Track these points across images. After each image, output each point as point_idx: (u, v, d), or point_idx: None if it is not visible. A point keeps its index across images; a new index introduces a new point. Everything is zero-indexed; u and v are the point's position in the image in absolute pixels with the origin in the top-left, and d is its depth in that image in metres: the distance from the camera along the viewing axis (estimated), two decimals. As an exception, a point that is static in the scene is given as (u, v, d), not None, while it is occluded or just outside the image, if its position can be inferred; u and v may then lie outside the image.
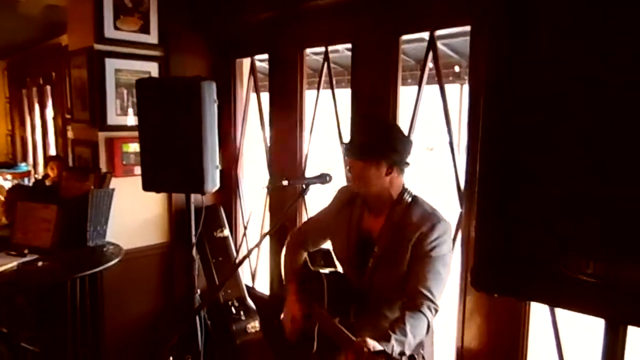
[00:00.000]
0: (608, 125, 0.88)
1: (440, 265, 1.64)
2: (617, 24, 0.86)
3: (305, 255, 2.04)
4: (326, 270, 1.92)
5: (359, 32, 2.56)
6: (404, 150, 1.70)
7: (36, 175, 7.14)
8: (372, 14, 2.47)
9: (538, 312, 2.00)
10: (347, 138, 1.77)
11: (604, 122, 0.88)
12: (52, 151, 6.88)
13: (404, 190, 1.75)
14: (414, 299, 1.60)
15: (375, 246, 1.74)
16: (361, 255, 1.78)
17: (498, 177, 1.01)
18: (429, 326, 1.59)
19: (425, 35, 2.36)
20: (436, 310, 1.61)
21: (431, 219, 1.68)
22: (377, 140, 1.68)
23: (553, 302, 1.02)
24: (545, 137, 0.95)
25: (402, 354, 1.36)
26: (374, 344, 1.37)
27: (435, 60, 2.34)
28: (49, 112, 6.98)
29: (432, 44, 2.32)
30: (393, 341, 1.44)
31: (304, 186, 1.82)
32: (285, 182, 1.78)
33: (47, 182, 4.36)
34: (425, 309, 1.57)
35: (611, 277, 0.91)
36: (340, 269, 1.97)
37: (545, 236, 0.98)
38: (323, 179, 1.81)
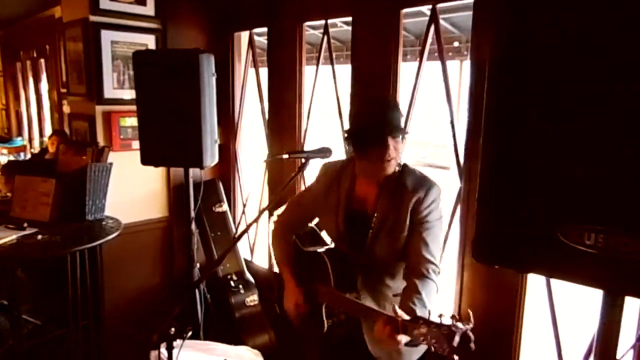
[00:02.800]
0: (606, 100, 0.88)
1: (437, 229, 1.71)
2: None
3: (294, 237, 2.03)
4: (322, 249, 1.92)
5: (359, 5, 2.52)
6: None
7: (32, 150, 7.10)
8: (372, -15, 2.43)
9: (534, 284, 2.03)
10: (364, 122, 1.69)
11: (602, 98, 0.88)
12: (48, 125, 6.83)
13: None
14: (418, 265, 1.65)
15: (373, 218, 1.75)
16: (356, 229, 1.79)
17: (500, 152, 1.01)
18: (437, 289, 1.66)
19: (426, 9, 2.33)
20: (439, 272, 1.68)
21: (424, 184, 1.72)
22: (398, 113, 1.69)
23: (552, 274, 1.03)
24: (546, 112, 0.96)
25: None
26: (402, 313, 1.41)
27: (437, 35, 2.31)
28: (44, 86, 6.89)
29: (433, 18, 2.29)
30: (418, 312, 1.48)
31: (303, 160, 1.81)
32: (285, 156, 1.77)
33: (47, 156, 4.34)
34: (431, 274, 1.64)
35: (610, 248, 0.92)
36: (331, 244, 1.99)
37: (545, 208, 0.98)
38: (323, 153, 1.80)
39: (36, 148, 7.11)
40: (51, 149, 4.43)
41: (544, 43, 0.96)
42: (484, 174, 1.02)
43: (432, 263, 1.65)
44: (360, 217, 1.79)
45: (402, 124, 1.69)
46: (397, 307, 1.44)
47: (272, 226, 2.10)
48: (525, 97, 0.97)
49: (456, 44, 7.06)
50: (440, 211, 1.73)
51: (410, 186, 1.71)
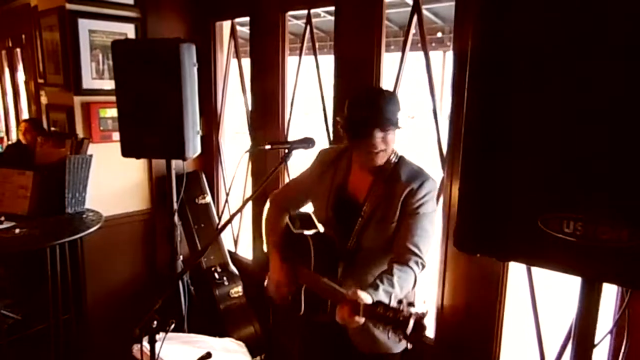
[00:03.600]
0: (585, 91, 0.89)
1: (427, 222, 1.69)
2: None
3: (287, 218, 2.03)
4: (310, 232, 1.91)
5: (342, -7, 2.50)
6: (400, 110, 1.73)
7: (9, 142, 6.93)
8: (355, -26, 2.41)
9: (515, 273, 2.06)
10: (355, 111, 1.70)
11: (580, 88, 0.89)
12: (25, 116, 6.66)
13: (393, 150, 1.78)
14: (402, 254, 1.65)
15: (364, 207, 1.75)
16: (346, 216, 1.80)
17: (480, 141, 1.02)
18: (415, 280, 1.64)
19: (410, -1, 2.32)
20: (423, 266, 1.66)
21: (420, 176, 1.72)
22: (393, 106, 1.68)
23: (533, 262, 1.04)
24: (524, 103, 0.96)
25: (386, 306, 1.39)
26: (365, 296, 1.42)
27: (420, 25, 2.31)
28: (21, 76, 6.72)
29: (416, 8, 2.28)
30: (381, 291, 1.48)
31: (286, 150, 1.80)
32: (268, 147, 1.76)
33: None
34: (412, 264, 1.62)
35: (589, 235, 0.94)
36: (322, 229, 1.98)
37: (525, 197, 1.00)
38: (306, 143, 1.79)
39: (13, 140, 6.95)
40: (22, 137, 4.33)
41: (523, 39, 0.96)
42: (465, 165, 1.03)
43: (417, 255, 1.64)
44: (350, 205, 1.80)
45: (396, 117, 1.67)
46: (358, 290, 1.44)
47: (267, 204, 2.09)
48: (505, 92, 0.97)
49: (439, 34, 7.07)
50: (433, 206, 1.73)
51: (404, 178, 1.72)
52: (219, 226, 1.61)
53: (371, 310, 1.36)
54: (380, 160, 1.71)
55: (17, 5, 5.89)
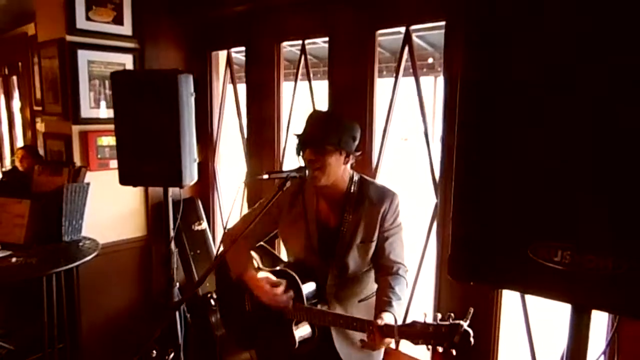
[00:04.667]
0: (573, 126, 0.94)
1: (401, 232, 1.90)
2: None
3: (253, 254, 2.04)
4: (282, 266, 1.98)
5: (336, 26, 2.59)
6: (356, 139, 1.82)
7: (3, 169, 6.93)
8: (348, 8, 2.50)
9: (509, 296, 2.09)
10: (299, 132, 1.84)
11: (568, 123, 0.94)
12: (20, 144, 6.68)
13: (351, 177, 1.89)
14: (390, 267, 1.83)
15: (341, 232, 1.84)
16: (326, 244, 1.87)
17: (473, 173, 1.06)
18: (407, 283, 1.84)
19: (401, 28, 2.40)
20: (407, 271, 1.87)
21: (387, 194, 1.87)
22: (335, 130, 1.77)
23: (524, 289, 1.08)
24: (515, 135, 1.01)
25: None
26: (389, 317, 1.58)
27: (411, 54, 2.39)
28: (16, 104, 6.77)
29: (407, 38, 2.37)
30: (395, 305, 1.66)
31: (283, 179, 1.84)
32: (265, 176, 1.79)
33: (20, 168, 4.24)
34: (402, 272, 1.83)
35: (576, 264, 0.98)
36: (284, 258, 2.08)
37: (515, 227, 1.04)
38: (302, 171, 1.83)
39: (7, 167, 6.95)
40: (18, 164, 4.35)
41: (511, 74, 1.02)
42: (456, 196, 1.07)
43: (400, 263, 1.85)
44: (327, 231, 1.89)
45: (336, 141, 1.75)
46: (383, 314, 1.60)
47: (222, 240, 2.10)
48: (492, 126, 1.02)
49: (430, 60, 7.23)
50: (401, 216, 1.90)
51: (375, 198, 1.85)
52: (215, 259, 1.63)
53: (407, 330, 1.48)
54: (320, 181, 1.79)
55: (16, 34, 5.99)
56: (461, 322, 1.37)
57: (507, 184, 1.02)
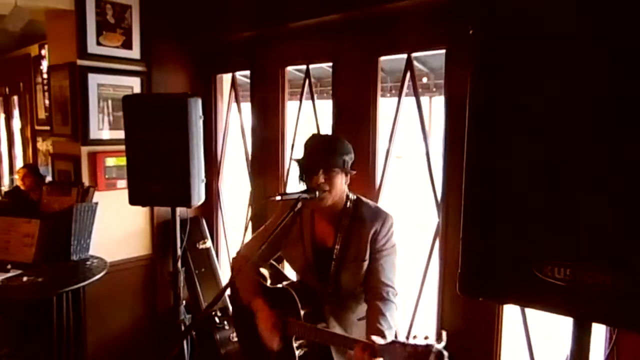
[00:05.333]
0: (576, 151, 1.03)
1: (393, 255, 1.91)
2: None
3: (263, 270, 2.13)
4: (285, 283, 2.05)
5: (339, 52, 2.70)
6: (352, 158, 1.93)
7: (2, 187, 6.95)
8: (351, 35, 2.61)
9: (510, 310, 2.17)
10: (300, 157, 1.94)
11: (572, 147, 1.04)
12: (19, 163, 6.73)
13: (347, 195, 1.96)
14: (378, 289, 1.85)
15: (335, 251, 1.91)
16: (321, 262, 1.95)
17: (481, 196, 1.15)
18: (396, 308, 1.86)
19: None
20: (397, 295, 1.88)
21: (380, 215, 1.92)
22: (338, 152, 1.88)
23: (529, 305, 1.15)
24: (519, 159, 1.11)
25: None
26: (378, 340, 1.56)
27: (413, 79, 2.50)
28: (16, 123, 6.83)
29: (409, 64, 2.47)
30: (387, 333, 1.68)
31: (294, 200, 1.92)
32: (278, 198, 1.87)
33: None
34: (391, 297, 1.84)
35: (577, 280, 1.06)
36: (293, 277, 2.14)
37: (521, 246, 1.12)
38: (313, 192, 1.91)
39: (6, 185, 6.97)
40: (20, 183, 4.41)
41: (519, 94, 1.11)
42: (465, 218, 1.16)
43: (390, 287, 1.85)
44: (323, 250, 1.95)
45: (340, 160, 1.86)
46: (372, 336, 1.59)
47: (232, 262, 2.18)
48: (499, 150, 1.12)
49: (425, 79, 7.37)
50: (395, 238, 1.94)
51: (367, 218, 1.91)
52: (225, 285, 1.70)
53: (388, 349, 1.49)
54: (328, 201, 1.87)
55: (18, 54, 6.09)
56: (434, 343, 1.39)
57: (513, 205, 1.11)
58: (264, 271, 2.16)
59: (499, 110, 1.12)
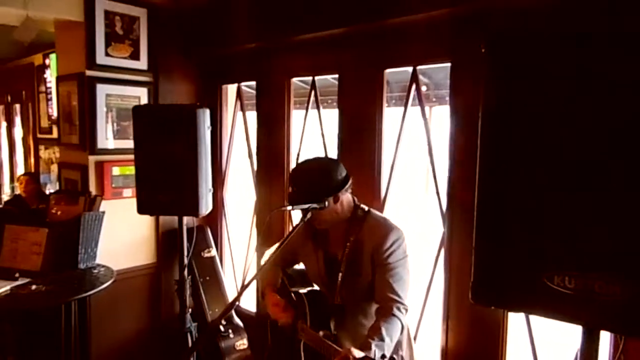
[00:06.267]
0: (589, 164, 1.08)
1: (400, 269, 1.84)
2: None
3: (281, 274, 2.15)
4: (304, 290, 2.10)
5: (345, 65, 2.75)
6: (339, 179, 1.89)
7: (3, 195, 6.96)
8: (357, 48, 2.66)
9: (515, 319, 2.20)
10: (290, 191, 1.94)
11: (585, 160, 1.08)
12: (20, 170, 6.75)
13: (355, 206, 1.95)
14: (384, 304, 1.80)
15: (340, 264, 1.92)
16: (331, 273, 1.97)
17: (493, 207, 1.20)
18: (402, 325, 1.79)
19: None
20: (406, 310, 1.81)
21: (383, 228, 1.87)
22: (324, 181, 1.87)
23: (540, 313, 1.19)
24: (531, 174, 1.15)
25: (383, 356, 1.60)
26: (357, 352, 1.56)
27: (418, 91, 2.55)
28: (18, 131, 6.86)
29: (414, 77, 2.53)
30: (374, 347, 1.64)
31: (288, 209, 1.96)
32: (289, 208, 1.91)
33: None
34: (396, 311, 1.77)
35: (587, 290, 1.10)
36: (316, 286, 2.15)
37: (531, 257, 1.16)
38: (322, 203, 1.94)
39: (7, 193, 6.99)
40: (21, 189, 4.45)
41: (529, 108, 1.16)
42: (478, 230, 1.20)
43: (398, 302, 1.78)
44: (333, 262, 1.98)
45: (329, 191, 1.84)
46: (352, 348, 1.59)
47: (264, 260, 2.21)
48: (513, 160, 1.16)
49: (424, 88, 7.44)
50: (403, 253, 1.86)
51: (368, 232, 1.89)
52: (235, 297, 1.74)
53: None
54: (327, 225, 1.91)
55: (20, 63, 6.13)
56: None
57: (524, 216, 1.15)
58: (285, 278, 2.18)
59: (511, 124, 1.16)
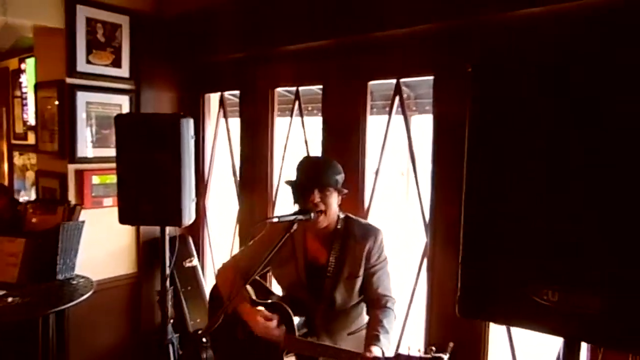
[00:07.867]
0: (570, 180, 1.12)
1: (386, 265, 2.05)
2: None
3: (244, 285, 2.10)
4: (275, 298, 2.11)
5: (329, 76, 2.77)
6: (343, 178, 2.06)
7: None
8: (341, 60, 2.69)
9: (496, 328, 2.25)
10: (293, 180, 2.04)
11: (561, 182, 1.12)
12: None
13: (338, 212, 2.06)
14: (378, 300, 1.98)
15: (329, 268, 2.00)
16: (314, 280, 2.02)
17: (478, 226, 1.23)
18: (395, 317, 1.98)
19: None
20: (395, 302, 2.01)
21: (371, 231, 2.03)
22: (331, 172, 1.99)
23: (524, 325, 1.23)
24: (514, 196, 1.19)
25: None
26: (377, 350, 1.68)
27: (402, 102, 2.60)
28: (-10, 137, 6.67)
29: (398, 89, 2.57)
30: (382, 339, 1.78)
31: (275, 220, 1.96)
32: (275, 219, 1.92)
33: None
34: (390, 305, 1.97)
35: (568, 303, 1.14)
36: (280, 293, 2.20)
37: (516, 270, 1.20)
38: (308, 214, 1.96)
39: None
40: None
41: (512, 130, 1.20)
42: (465, 244, 1.23)
43: (389, 296, 2.00)
44: (315, 269, 2.03)
45: (334, 180, 1.98)
46: (372, 347, 1.71)
47: (218, 273, 2.25)
48: (498, 175, 1.20)
49: (405, 96, 7.54)
50: (386, 250, 2.06)
51: (359, 235, 2.01)
52: (222, 309, 1.75)
53: None
54: (323, 222, 1.97)
55: (-4, 68, 5.96)
56: (442, 355, 1.49)
57: (509, 231, 1.19)
58: (250, 289, 2.16)
59: (495, 145, 1.20)
